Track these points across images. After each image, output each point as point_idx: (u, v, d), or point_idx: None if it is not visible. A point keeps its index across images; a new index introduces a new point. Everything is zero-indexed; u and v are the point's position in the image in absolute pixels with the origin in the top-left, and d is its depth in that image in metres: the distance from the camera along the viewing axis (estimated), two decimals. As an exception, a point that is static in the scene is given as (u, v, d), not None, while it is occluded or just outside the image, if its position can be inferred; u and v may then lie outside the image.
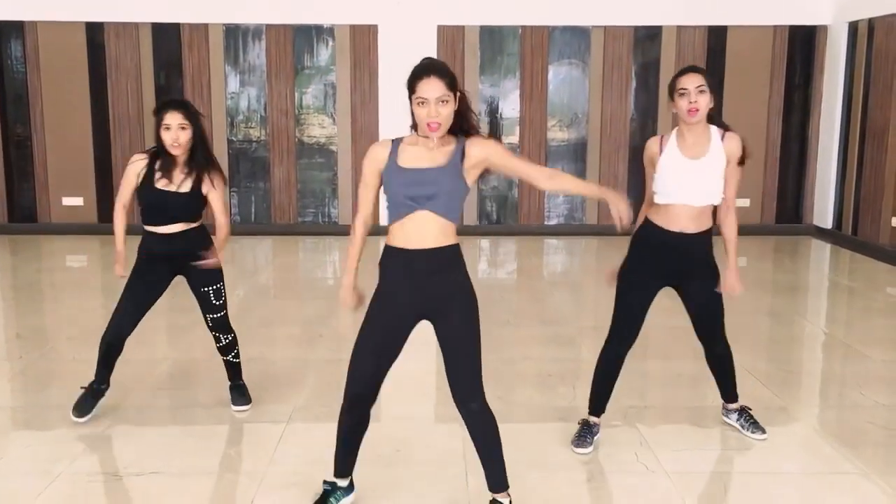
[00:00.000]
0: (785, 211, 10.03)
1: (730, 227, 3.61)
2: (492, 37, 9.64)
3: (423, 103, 2.69)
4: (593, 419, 3.79)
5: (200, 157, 3.85)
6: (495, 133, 9.85)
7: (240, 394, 4.21)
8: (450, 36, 9.55)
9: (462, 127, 2.82)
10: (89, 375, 4.34)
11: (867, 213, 8.84)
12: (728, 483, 3.44)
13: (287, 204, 9.88)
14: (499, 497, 2.94)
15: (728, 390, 3.91)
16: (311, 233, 9.78)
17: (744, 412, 3.91)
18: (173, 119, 3.74)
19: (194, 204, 3.87)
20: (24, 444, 3.81)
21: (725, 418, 3.97)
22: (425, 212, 2.74)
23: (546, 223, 9.98)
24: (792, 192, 10.04)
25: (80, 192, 9.73)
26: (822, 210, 9.76)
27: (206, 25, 9.49)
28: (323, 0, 9.48)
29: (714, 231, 3.61)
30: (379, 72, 9.55)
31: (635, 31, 9.64)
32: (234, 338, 4.16)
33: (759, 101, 9.77)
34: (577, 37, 9.67)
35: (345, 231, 9.83)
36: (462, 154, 2.78)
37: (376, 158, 2.83)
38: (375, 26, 9.50)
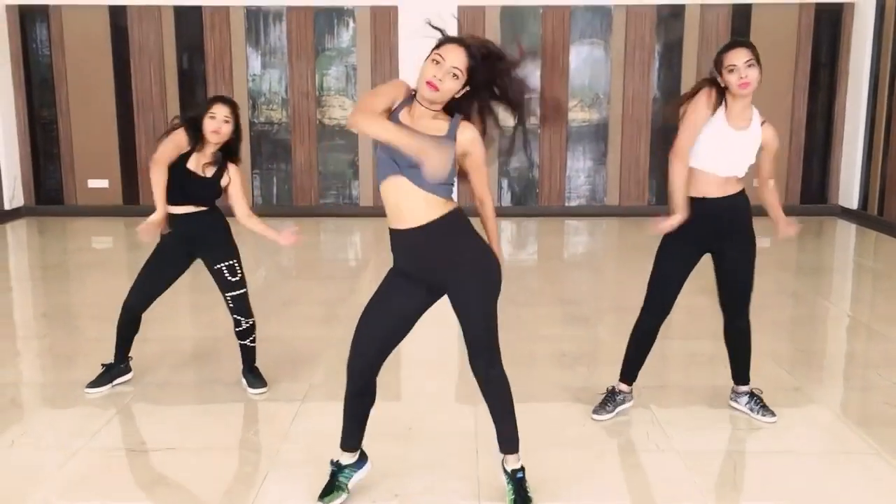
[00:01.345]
0: (810, 191, 9.92)
1: (770, 196, 3.74)
2: (512, 17, 9.59)
3: (437, 62, 2.65)
4: (621, 386, 3.84)
5: (229, 151, 4.01)
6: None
7: (256, 377, 4.23)
8: (470, 16, 9.51)
9: (465, 111, 2.77)
10: (110, 354, 4.44)
11: (893, 193, 8.71)
12: (739, 462, 3.44)
13: (308, 186, 9.94)
14: (509, 459, 2.96)
15: (741, 371, 3.87)
16: (332, 214, 9.84)
17: (753, 395, 3.87)
18: (220, 111, 3.89)
19: (209, 189, 3.99)
20: (47, 419, 3.90)
21: (734, 403, 3.91)
22: (403, 179, 2.68)
23: (567, 204, 9.95)
24: (817, 172, 9.92)
25: (106, 175, 9.86)
26: (848, 190, 9.63)
27: (227, 8, 9.53)
28: (343, -19, 9.50)
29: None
30: (399, 53, 9.54)
31: (658, 10, 9.54)
32: (254, 323, 4.19)
33: (785, 80, 9.64)
34: (599, 16, 9.59)
35: (366, 213, 9.96)
36: (454, 136, 2.71)
37: (397, 94, 2.78)
38: (395, 7, 9.48)
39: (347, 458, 3.07)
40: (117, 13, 9.55)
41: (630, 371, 3.83)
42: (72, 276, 7.34)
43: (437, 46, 2.69)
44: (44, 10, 9.54)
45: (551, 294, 6.44)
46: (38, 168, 9.91)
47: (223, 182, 4.02)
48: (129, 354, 4.30)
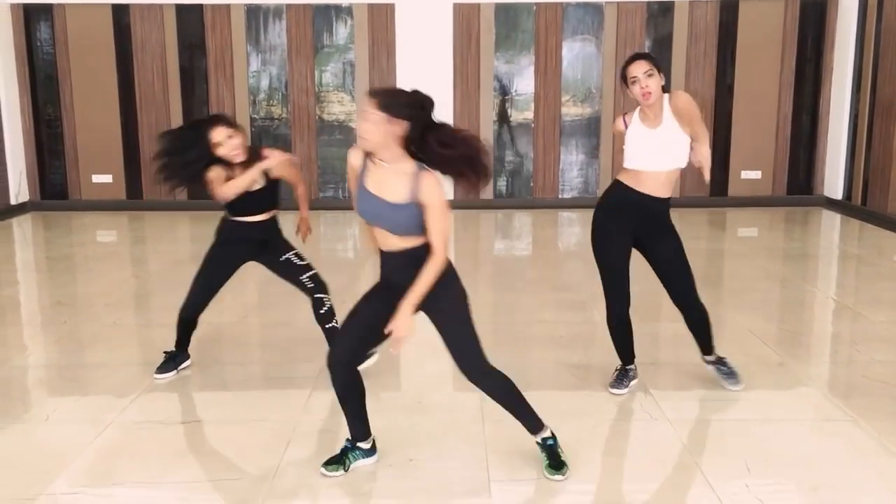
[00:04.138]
0: (796, 182, 10.20)
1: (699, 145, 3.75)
2: (507, 14, 9.83)
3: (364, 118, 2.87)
4: (628, 366, 4.15)
5: (254, 153, 4.10)
6: (506, 113, 10.07)
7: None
8: (465, 14, 9.76)
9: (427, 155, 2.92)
10: (129, 338, 4.68)
11: (876, 184, 9.01)
12: (725, 428, 3.70)
13: (308, 180, 10.15)
14: (537, 437, 3.27)
15: (705, 345, 4.13)
16: (332, 208, 10.08)
17: (719, 362, 4.14)
18: (220, 134, 3.95)
19: (268, 196, 4.21)
20: (74, 397, 4.13)
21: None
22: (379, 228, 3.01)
23: (560, 196, 10.20)
24: (803, 164, 10.21)
25: (109, 170, 10.07)
26: (833, 181, 9.93)
27: (228, 6, 9.75)
28: (341, -20, 9.72)
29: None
30: (396, 50, 9.78)
31: (648, 6, 9.80)
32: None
33: (771, 74, 9.92)
34: (591, 13, 9.85)
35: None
36: (417, 190, 2.89)
37: (354, 167, 3.03)
38: (392, 5, 9.72)
39: (363, 444, 3.34)
40: (120, 11, 9.75)
41: (625, 355, 4.15)
42: (80, 268, 7.55)
43: None
44: (48, 8, 9.73)
45: (547, 282, 6.69)
46: (43, 164, 10.11)
47: (272, 177, 4.16)
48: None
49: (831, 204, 9.91)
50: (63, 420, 3.81)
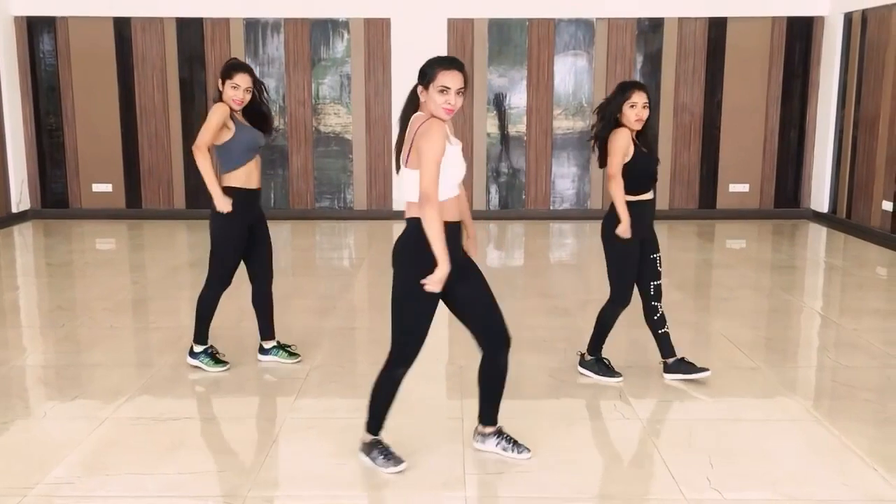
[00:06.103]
0: (783, 196, 10.39)
1: None
2: (500, 29, 10.05)
3: (236, 87, 4.30)
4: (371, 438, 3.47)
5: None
6: (502, 123, 10.26)
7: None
8: (459, 28, 9.98)
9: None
10: (126, 341, 4.81)
11: (860, 198, 9.19)
12: (694, 428, 3.86)
13: (305, 190, 10.35)
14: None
15: (493, 411, 3.54)
16: (328, 217, 10.25)
17: (501, 433, 3.54)
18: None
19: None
20: (71, 395, 4.29)
21: (480, 446, 3.55)
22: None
23: (552, 208, 10.39)
24: (791, 178, 10.39)
25: (109, 179, 10.25)
26: (819, 195, 10.11)
27: (227, 20, 9.96)
28: (338, -6, 9.95)
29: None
30: (392, 63, 9.98)
31: (638, 23, 10.02)
32: None
33: (759, 90, 10.13)
34: (582, 29, 10.06)
35: (359, 216, 10.40)
36: None
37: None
38: (388, 20, 9.93)
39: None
40: (122, 24, 9.97)
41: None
42: (79, 274, 7.73)
43: (227, 75, 4.34)
44: (51, 21, 9.94)
45: (536, 289, 6.86)
46: (44, 172, 10.30)
47: None
48: None
49: (817, 217, 10.09)
50: (60, 416, 3.98)
